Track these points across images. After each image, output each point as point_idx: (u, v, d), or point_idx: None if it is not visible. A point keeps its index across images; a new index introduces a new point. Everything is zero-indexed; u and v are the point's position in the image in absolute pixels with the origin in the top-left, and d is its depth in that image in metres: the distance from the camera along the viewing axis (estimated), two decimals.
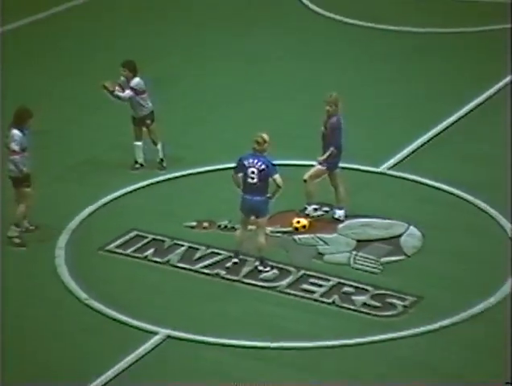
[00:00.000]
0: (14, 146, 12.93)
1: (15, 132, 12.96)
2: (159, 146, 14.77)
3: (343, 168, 13.68)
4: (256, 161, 12.38)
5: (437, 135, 15.63)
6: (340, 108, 13.34)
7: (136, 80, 14.47)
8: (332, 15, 19.65)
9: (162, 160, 14.79)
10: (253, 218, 12.61)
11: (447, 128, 15.85)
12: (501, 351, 11.35)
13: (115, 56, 15.85)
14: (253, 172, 12.37)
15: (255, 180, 12.39)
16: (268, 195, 12.50)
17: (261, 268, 12.61)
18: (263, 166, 12.35)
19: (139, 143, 14.78)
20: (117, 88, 14.44)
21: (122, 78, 14.54)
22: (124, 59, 14.68)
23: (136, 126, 14.73)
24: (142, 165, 14.84)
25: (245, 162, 12.41)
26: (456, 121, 16.00)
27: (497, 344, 11.48)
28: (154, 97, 14.85)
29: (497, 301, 12.05)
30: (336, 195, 13.58)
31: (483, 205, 13.75)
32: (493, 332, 11.66)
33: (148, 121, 14.64)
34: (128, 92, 14.39)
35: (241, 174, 12.48)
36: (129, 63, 14.49)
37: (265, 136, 12.47)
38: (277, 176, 12.42)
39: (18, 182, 13.10)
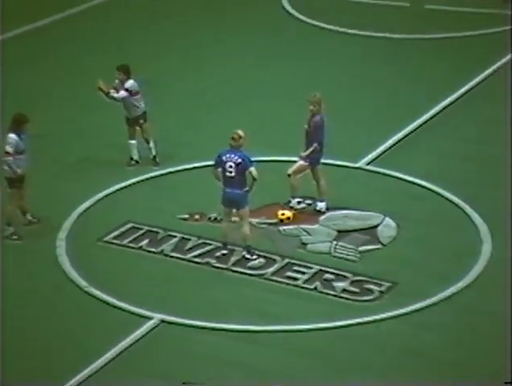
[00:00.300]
0: (9, 148, 12.96)
1: (11, 135, 12.99)
2: (152, 144, 14.78)
3: (324, 164, 13.68)
4: (233, 155, 12.42)
5: (411, 133, 15.62)
6: (322, 108, 13.38)
7: (130, 82, 14.49)
8: (314, 22, 19.61)
9: (155, 157, 14.80)
10: (234, 211, 12.65)
11: (420, 126, 15.82)
12: (467, 332, 11.46)
13: (112, 59, 15.85)
14: (230, 166, 12.41)
15: (233, 173, 12.42)
16: (246, 189, 12.52)
17: (248, 256, 12.64)
18: (239, 160, 12.39)
19: (133, 142, 14.79)
20: (112, 90, 14.47)
21: (117, 81, 14.56)
22: (120, 62, 14.66)
23: (130, 126, 14.73)
24: (137, 162, 14.86)
25: (223, 158, 12.44)
26: (428, 120, 15.98)
27: (464, 326, 11.58)
28: (146, 98, 14.84)
29: (464, 286, 12.12)
30: (318, 189, 13.59)
31: (453, 198, 13.77)
32: (460, 314, 11.74)
33: (141, 121, 14.64)
34: (122, 93, 14.42)
35: (220, 169, 12.51)
36: (123, 67, 14.53)
37: (240, 132, 12.49)
38: (252, 169, 12.43)
39: (12, 182, 13.12)
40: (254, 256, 12.64)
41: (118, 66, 14.58)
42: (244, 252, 12.67)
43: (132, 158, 14.85)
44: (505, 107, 16.34)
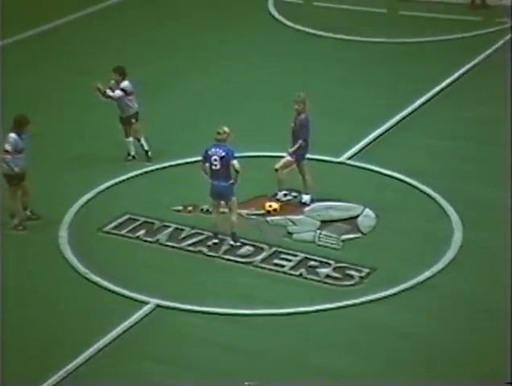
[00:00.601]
0: (8, 147, 12.96)
1: (11, 135, 12.98)
2: (142, 141, 14.73)
3: (309, 159, 13.70)
4: (217, 149, 12.46)
5: (389, 130, 15.62)
6: (307, 107, 13.43)
7: (125, 83, 14.48)
8: (297, 27, 19.63)
9: (147, 152, 14.73)
10: (222, 203, 12.69)
11: (397, 123, 15.82)
12: (440, 312, 11.54)
13: (114, 60, 15.83)
14: (215, 159, 12.44)
15: (218, 166, 12.44)
16: (231, 181, 12.54)
17: (232, 242, 12.67)
18: (223, 153, 12.41)
19: (130, 139, 14.80)
20: (108, 90, 14.46)
21: (113, 81, 14.54)
22: (123, 62, 14.69)
23: (123, 125, 14.71)
24: (134, 157, 14.85)
25: (209, 152, 12.48)
26: (404, 118, 15.98)
27: (437, 306, 11.65)
28: (142, 99, 14.83)
29: (438, 271, 12.20)
30: (303, 182, 13.61)
31: (428, 190, 13.81)
32: (434, 296, 11.81)
33: (133, 120, 14.59)
34: (118, 92, 14.41)
35: (207, 164, 12.54)
36: (119, 68, 14.53)
37: (225, 128, 12.53)
38: (235, 162, 12.44)
39: (10, 179, 13.11)
40: (238, 243, 12.65)
41: (114, 68, 14.57)
42: (231, 240, 12.69)
43: (129, 154, 14.85)
44: (477, 105, 16.37)
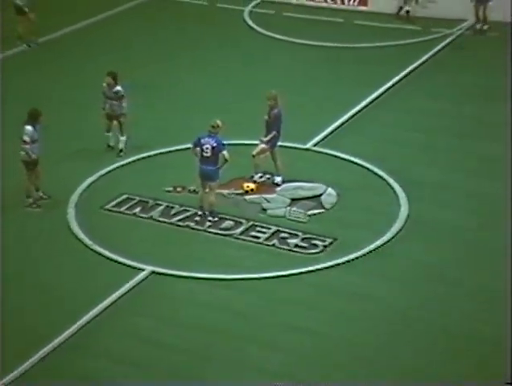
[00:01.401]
0: (25, 138, 12.78)
1: (27, 127, 12.80)
2: (124, 138, 14.32)
3: (280, 146, 13.64)
4: (210, 139, 12.38)
5: (348, 120, 15.54)
6: (279, 102, 13.33)
7: (118, 87, 14.11)
8: (269, 33, 19.49)
9: (121, 150, 14.33)
10: (209, 184, 12.59)
11: (355, 114, 15.75)
12: (392, 275, 11.57)
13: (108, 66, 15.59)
14: (207, 148, 12.36)
15: (209, 154, 12.38)
16: (218, 166, 12.47)
17: (210, 218, 12.59)
18: (215, 144, 12.35)
19: (110, 134, 14.38)
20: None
21: (104, 84, 14.16)
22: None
23: (109, 120, 14.27)
24: (112, 147, 14.37)
25: (202, 140, 12.41)
26: (361, 110, 15.94)
27: (390, 270, 11.69)
28: (129, 100, 14.41)
29: (388, 239, 12.23)
30: (275, 166, 13.57)
31: (380, 173, 13.79)
32: (387, 261, 11.85)
33: (121, 119, 14.20)
34: (118, 89, 14.04)
35: (198, 149, 12.47)
36: (112, 73, 14.16)
37: (218, 122, 12.45)
38: (225, 152, 12.40)
39: (28, 165, 12.95)
40: (216, 219, 12.58)
41: (108, 72, 14.22)
42: (208, 215, 12.62)
43: (109, 145, 14.44)
44: (425, 99, 16.28)
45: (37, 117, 12.87)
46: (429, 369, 10.00)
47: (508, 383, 9.74)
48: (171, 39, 19.18)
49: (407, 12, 19.84)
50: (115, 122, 14.38)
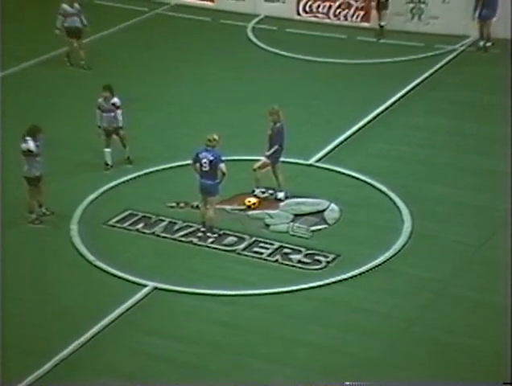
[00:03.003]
0: (31, 148, 12.73)
1: (29, 142, 12.76)
2: (127, 148, 14.42)
3: (283, 161, 13.67)
4: (208, 153, 12.42)
5: (350, 136, 15.60)
6: (281, 117, 13.40)
7: (115, 99, 14.19)
8: (272, 49, 19.58)
9: (129, 157, 14.44)
10: (209, 198, 12.61)
11: (358, 130, 15.78)
12: (395, 291, 11.60)
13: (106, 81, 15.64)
14: (205, 162, 12.41)
15: (207, 168, 12.41)
16: (217, 181, 12.50)
17: (209, 234, 12.61)
18: (212, 158, 12.39)
19: (109, 150, 14.38)
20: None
21: (100, 99, 14.14)
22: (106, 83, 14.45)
23: (107, 137, 14.26)
24: (112, 166, 14.40)
25: (200, 155, 12.45)
26: (363, 126, 15.98)
27: (392, 286, 11.71)
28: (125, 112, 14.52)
29: (391, 255, 12.25)
30: (276, 182, 13.59)
31: (383, 188, 13.82)
32: (390, 277, 11.87)
33: (121, 131, 14.25)
34: (116, 100, 14.12)
35: (197, 164, 12.51)
36: (108, 87, 14.19)
37: (215, 136, 12.50)
38: (222, 165, 12.43)
39: (31, 181, 12.95)
40: (215, 235, 12.59)
41: (104, 86, 14.22)
42: (206, 231, 12.63)
43: (107, 164, 14.42)
44: (425, 115, 16.34)
45: (36, 133, 12.91)
46: (432, 383, 10.00)
47: (507, 384, 9.75)
48: (174, 55, 19.24)
49: (381, 26, 19.93)
50: (114, 137, 14.39)
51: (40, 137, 12.95)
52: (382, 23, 19.88)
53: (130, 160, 14.53)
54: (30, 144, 12.81)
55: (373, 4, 19.97)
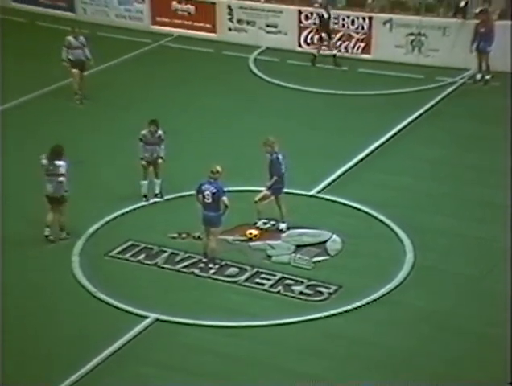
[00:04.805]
0: (62, 170, 12.85)
1: (58, 162, 12.83)
2: (159, 181, 14.36)
3: (285, 193, 13.67)
4: (210, 186, 12.46)
5: (352, 168, 15.64)
6: (276, 148, 13.35)
7: (160, 132, 14.25)
8: (273, 80, 19.73)
9: (157, 194, 14.41)
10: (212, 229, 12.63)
11: (360, 161, 15.84)
12: (397, 323, 11.56)
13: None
14: (208, 194, 12.44)
15: (209, 200, 12.45)
16: (220, 212, 12.53)
17: (210, 265, 12.60)
18: (215, 190, 12.42)
19: (146, 182, 14.33)
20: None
21: (144, 132, 14.15)
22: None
23: (147, 168, 14.22)
24: (147, 197, 14.39)
25: (203, 187, 12.49)
26: (365, 157, 16.05)
27: (394, 318, 11.67)
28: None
29: (393, 287, 12.23)
30: (279, 213, 13.63)
31: (384, 219, 13.83)
32: (392, 309, 11.84)
33: (160, 161, 14.25)
34: (161, 133, 14.24)
35: (200, 196, 12.56)
36: (155, 121, 14.24)
37: (218, 168, 12.54)
38: (225, 198, 12.47)
39: (53, 201, 12.98)
40: (217, 266, 12.58)
41: (151, 120, 14.24)
42: (207, 261, 12.62)
43: (145, 196, 14.36)
44: (426, 146, 16.37)
45: (60, 153, 12.92)
46: None
47: (510, 384, 9.82)
48: (176, 86, 19.32)
49: (334, 56, 20.18)
50: (151, 168, 14.35)
51: (65, 157, 12.94)
52: (334, 52, 20.13)
53: (161, 194, 14.43)
54: (59, 163, 12.81)
55: (324, 35, 20.09)
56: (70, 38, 18.33)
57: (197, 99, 18.65)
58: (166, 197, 14.58)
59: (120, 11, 22.80)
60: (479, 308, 11.89)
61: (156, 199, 14.46)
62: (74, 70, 18.28)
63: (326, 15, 20.07)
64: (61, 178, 12.88)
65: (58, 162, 12.93)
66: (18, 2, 23.97)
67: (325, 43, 20.11)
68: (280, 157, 13.39)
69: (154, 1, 22.47)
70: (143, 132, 14.32)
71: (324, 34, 20.08)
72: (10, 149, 16.07)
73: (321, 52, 20.18)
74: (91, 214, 14.07)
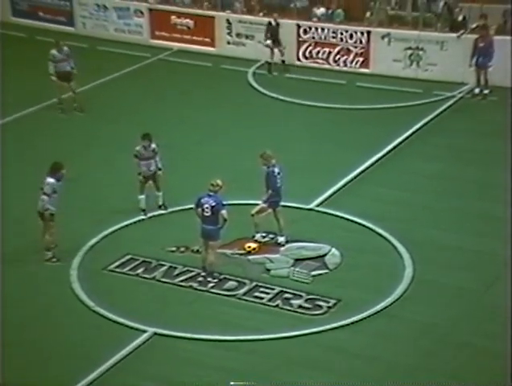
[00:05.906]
0: (46, 190, 12.86)
1: (49, 179, 12.89)
2: (161, 193, 14.41)
3: (283, 206, 13.69)
4: (209, 199, 12.46)
5: (350, 181, 15.66)
6: (272, 161, 13.36)
7: (153, 146, 14.25)
8: (272, 94, 19.80)
9: (161, 205, 14.44)
10: (211, 243, 12.61)
11: (358, 174, 15.86)
12: (396, 337, 11.52)
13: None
14: (207, 207, 12.43)
15: (209, 213, 12.44)
16: (219, 226, 12.52)
17: (209, 279, 12.58)
18: (214, 204, 12.42)
19: (143, 196, 14.37)
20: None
21: (138, 147, 14.19)
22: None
23: (145, 183, 14.26)
24: (145, 211, 14.38)
25: (202, 201, 12.49)
26: (363, 171, 16.04)
27: (393, 332, 11.63)
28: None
29: (393, 301, 12.21)
30: (278, 226, 13.63)
31: (383, 233, 13.83)
32: (391, 323, 11.80)
33: (159, 173, 14.29)
34: (154, 146, 14.24)
35: (199, 209, 12.55)
36: (148, 135, 14.25)
37: (218, 181, 12.55)
38: (224, 211, 12.46)
39: (41, 216, 12.98)
40: (216, 279, 12.56)
41: (144, 134, 14.25)
42: (206, 275, 12.60)
43: (144, 210, 14.38)
44: (424, 161, 16.44)
45: (55, 170, 12.95)
46: None
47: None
48: (175, 100, 19.38)
49: (283, 62, 20.41)
50: (149, 182, 14.34)
51: (62, 174, 12.96)
52: (282, 58, 20.41)
53: (165, 205, 14.45)
54: (48, 180, 12.85)
55: (269, 42, 20.38)
56: (54, 51, 18.31)
57: (196, 113, 18.69)
58: (163, 211, 14.58)
59: (119, 25, 22.92)
60: (479, 322, 11.86)
61: (161, 211, 14.47)
62: (63, 83, 18.27)
63: (274, 23, 20.44)
64: (43, 196, 12.91)
65: (48, 180, 12.95)
66: (19, 16, 24.13)
67: (275, 50, 20.43)
68: (276, 170, 13.41)
69: (153, 15, 22.61)
70: (137, 148, 14.31)
71: (269, 42, 20.40)
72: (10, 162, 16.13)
73: (274, 60, 20.52)
74: (89, 228, 14.06)
